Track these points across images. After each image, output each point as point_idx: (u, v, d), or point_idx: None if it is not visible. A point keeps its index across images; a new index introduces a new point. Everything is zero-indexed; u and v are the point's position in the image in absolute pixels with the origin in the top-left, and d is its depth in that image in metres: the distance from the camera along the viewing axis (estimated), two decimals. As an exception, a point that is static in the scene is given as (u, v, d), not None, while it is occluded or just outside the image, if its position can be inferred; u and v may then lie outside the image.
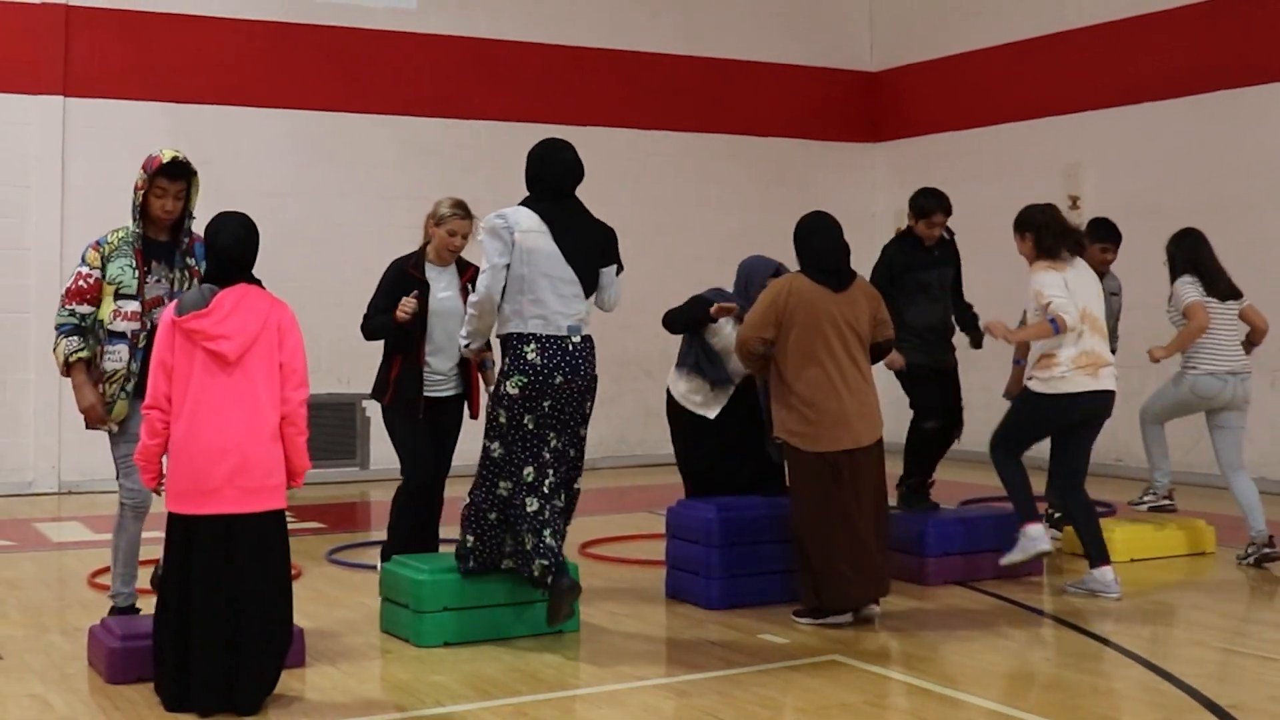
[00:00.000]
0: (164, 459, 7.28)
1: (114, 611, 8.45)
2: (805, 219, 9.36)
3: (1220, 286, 11.05)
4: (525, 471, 8.31)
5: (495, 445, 8.41)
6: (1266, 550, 10.78)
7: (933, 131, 19.16)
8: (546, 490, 8.32)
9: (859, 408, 8.94)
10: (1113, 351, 11.53)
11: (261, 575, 7.16)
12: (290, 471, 7.29)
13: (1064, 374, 9.69)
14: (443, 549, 9.60)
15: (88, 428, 8.34)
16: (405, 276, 9.51)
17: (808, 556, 8.93)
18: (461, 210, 9.61)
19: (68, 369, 8.13)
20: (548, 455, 8.35)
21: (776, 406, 9.10)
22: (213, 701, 7.03)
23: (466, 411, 9.84)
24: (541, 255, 8.26)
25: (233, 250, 7.29)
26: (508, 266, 8.25)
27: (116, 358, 8.09)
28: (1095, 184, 16.68)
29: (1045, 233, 9.91)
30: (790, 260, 9.53)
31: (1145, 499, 11.39)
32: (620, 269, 8.70)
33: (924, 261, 10.85)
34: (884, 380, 9.85)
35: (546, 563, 8.17)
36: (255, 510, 7.12)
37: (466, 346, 8.74)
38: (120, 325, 8.08)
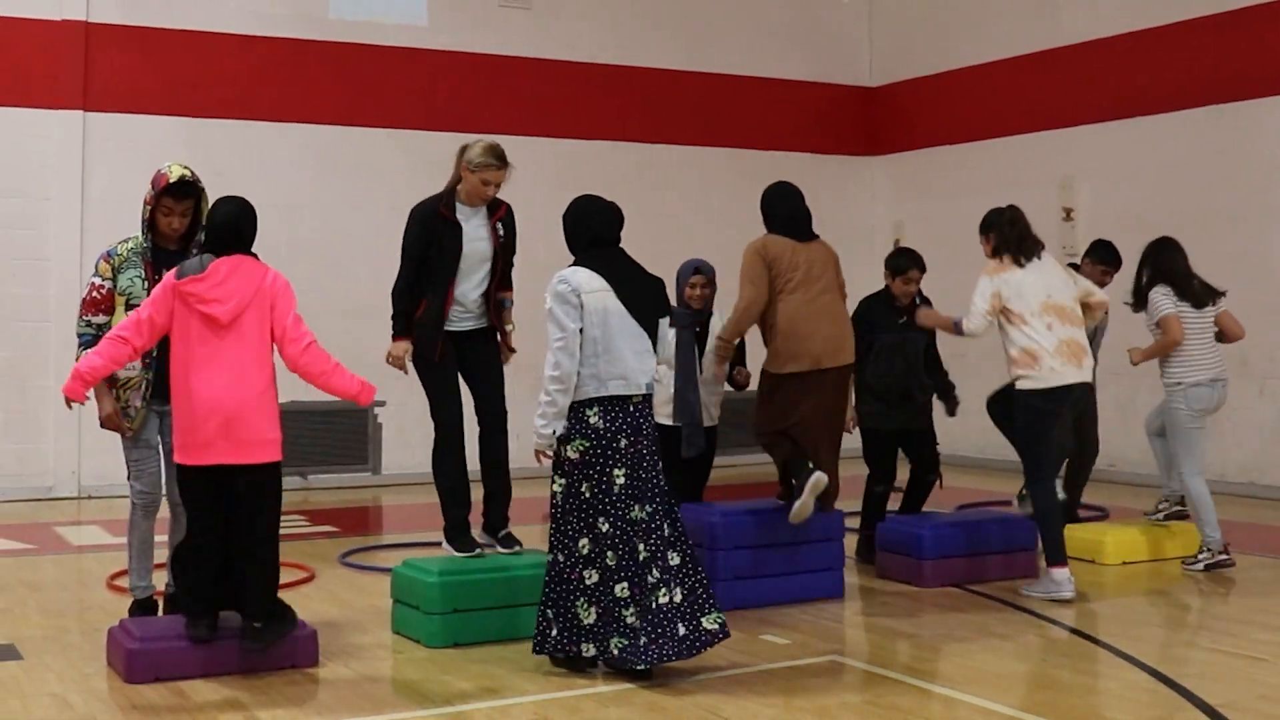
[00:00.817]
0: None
1: (134, 604, 8.54)
2: (770, 188, 10.05)
3: (1194, 293, 10.92)
4: (581, 543, 7.75)
5: (558, 517, 7.85)
6: (1178, 508, 11.29)
7: (930, 145, 19.18)
8: (609, 565, 7.70)
9: (832, 331, 9.49)
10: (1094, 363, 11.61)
11: (252, 520, 7.63)
12: (352, 396, 7.82)
13: (1052, 366, 9.72)
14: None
15: (103, 427, 8.46)
16: (436, 218, 8.98)
17: (781, 449, 9.57)
18: (498, 160, 8.93)
19: None
20: (607, 528, 7.70)
21: (770, 343, 9.56)
22: (201, 616, 7.63)
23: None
24: (612, 315, 7.78)
25: (228, 223, 7.70)
26: (581, 331, 7.74)
27: (129, 366, 8.12)
28: (1088, 197, 16.68)
29: (1006, 239, 10.00)
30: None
31: (1200, 558, 10.89)
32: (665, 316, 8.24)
33: (892, 324, 10.96)
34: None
35: (627, 643, 7.59)
36: (247, 462, 7.52)
37: (551, 435, 7.80)
38: None
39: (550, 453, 7.84)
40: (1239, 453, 15.05)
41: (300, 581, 10.42)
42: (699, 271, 10.34)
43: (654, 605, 7.63)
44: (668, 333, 8.24)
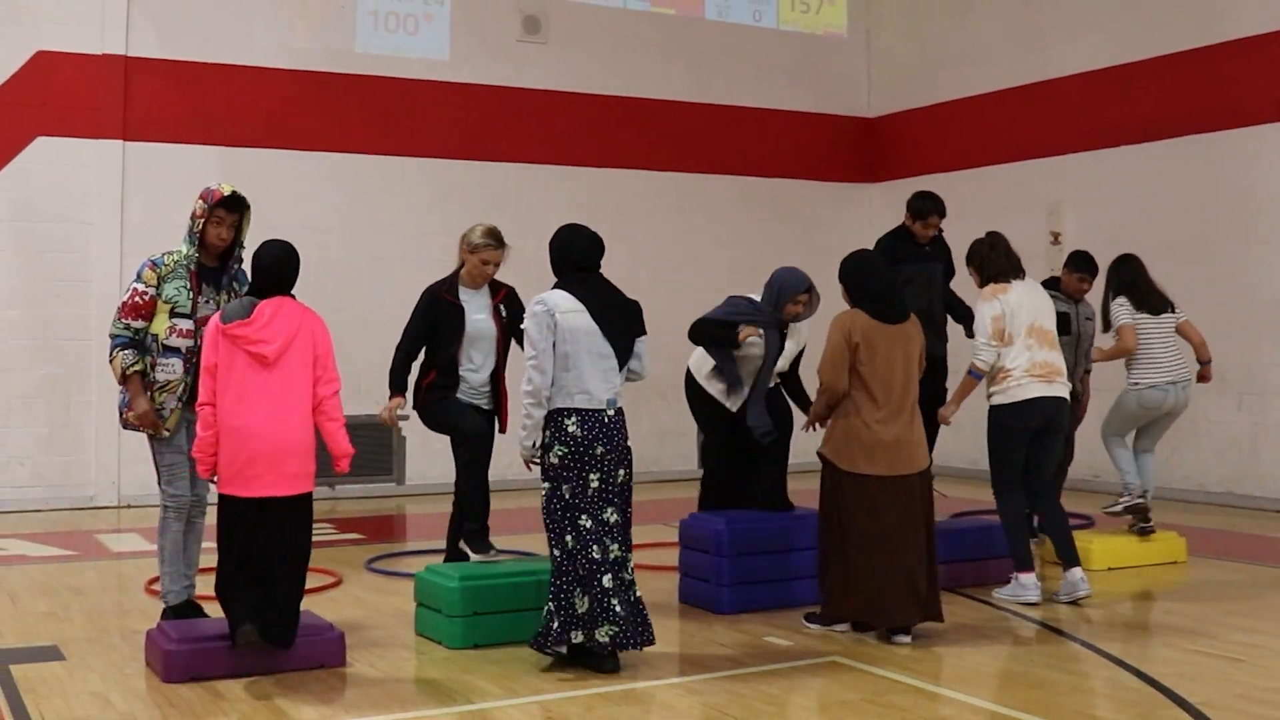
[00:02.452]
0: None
1: (166, 611, 8.52)
2: (853, 259, 9.04)
3: (1152, 301, 11.24)
4: (567, 539, 7.91)
5: (548, 520, 8.04)
6: (1139, 501, 11.26)
7: (925, 173, 19.13)
8: (595, 558, 7.84)
9: (909, 435, 8.72)
10: (1087, 372, 11.69)
11: (286, 545, 7.66)
12: (335, 455, 7.73)
13: (1019, 382, 9.77)
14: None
15: (126, 428, 8.52)
16: (439, 301, 9.35)
17: (841, 569, 8.70)
18: (495, 240, 9.33)
19: (124, 379, 8.33)
20: (589, 524, 7.88)
21: (833, 427, 8.85)
22: (245, 634, 7.55)
23: (496, 426, 9.57)
24: (582, 333, 7.94)
25: (272, 267, 7.76)
26: (554, 346, 7.93)
27: (170, 370, 8.29)
28: (1076, 221, 16.69)
29: (988, 262, 10.05)
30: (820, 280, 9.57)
31: (1120, 501, 11.31)
32: (644, 336, 8.36)
33: (914, 255, 11.08)
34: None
35: (617, 629, 7.79)
36: (289, 493, 7.58)
37: (531, 447, 8.01)
38: (175, 341, 8.29)
39: (536, 460, 8.11)
40: (1218, 464, 15.06)
41: (328, 586, 10.44)
42: (809, 290, 9.82)
43: (632, 598, 7.97)
44: (645, 353, 8.32)
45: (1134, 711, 7.14)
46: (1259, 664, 8.15)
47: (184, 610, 8.53)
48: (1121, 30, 16.49)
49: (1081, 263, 11.83)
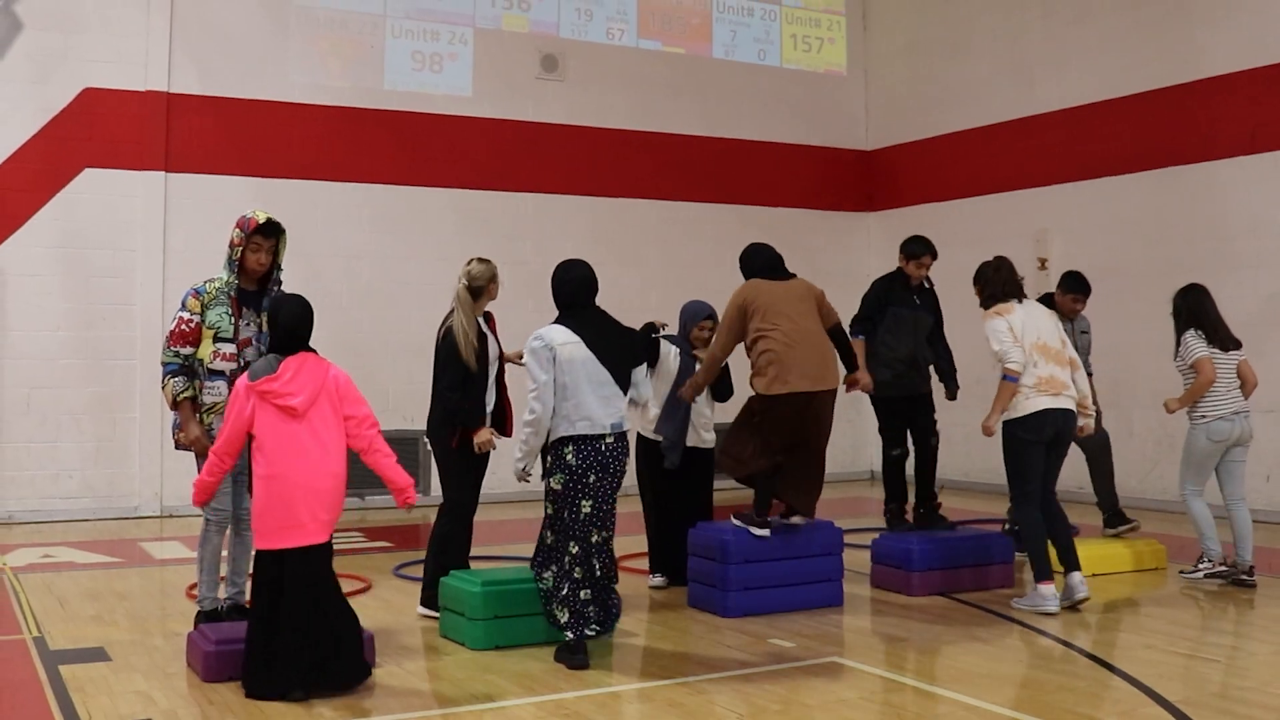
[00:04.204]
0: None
1: (200, 615, 8.54)
2: (745, 249, 9.98)
3: (1221, 337, 10.72)
4: (565, 561, 8.20)
5: (548, 533, 8.32)
6: (1244, 577, 10.58)
7: (920, 202, 19.20)
8: (581, 577, 8.20)
9: (819, 357, 9.40)
10: (1089, 375, 11.59)
11: (320, 588, 7.43)
12: (398, 488, 7.62)
13: (1028, 396, 9.70)
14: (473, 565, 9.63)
15: (179, 448, 8.50)
16: (476, 335, 9.30)
17: (767, 474, 9.56)
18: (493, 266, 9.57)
19: (175, 405, 8.33)
20: (576, 550, 8.16)
21: (754, 371, 9.42)
22: (292, 684, 7.29)
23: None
24: (579, 363, 8.07)
25: (292, 326, 7.63)
26: (554, 380, 8.06)
27: (216, 392, 8.30)
28: (1061, 248, 16.69)
29: (990, 283, 10.11)
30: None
31: (1200, 567, 10.75)
32: (647, 366, 8.74)
33: (905, 301, 11.09)
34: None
35: (595, 630, 8.25)
36: (321, 540, 7.42)
37: (522, 470, 8.31)
38: (219, 365, 8.32)
39: (525, 478, 8.37)
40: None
41: (358, 591, 10.45)
42: (710, 317, 10.63)
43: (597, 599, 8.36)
44: (644, 380, 8.56)
45: (1118, 709, 7.13)
46: (1234, 664, 8.15)
47: (217, 615, 8.56)
48: (1103, 69, 16.50)
49: (1075, 284, 11.75)
